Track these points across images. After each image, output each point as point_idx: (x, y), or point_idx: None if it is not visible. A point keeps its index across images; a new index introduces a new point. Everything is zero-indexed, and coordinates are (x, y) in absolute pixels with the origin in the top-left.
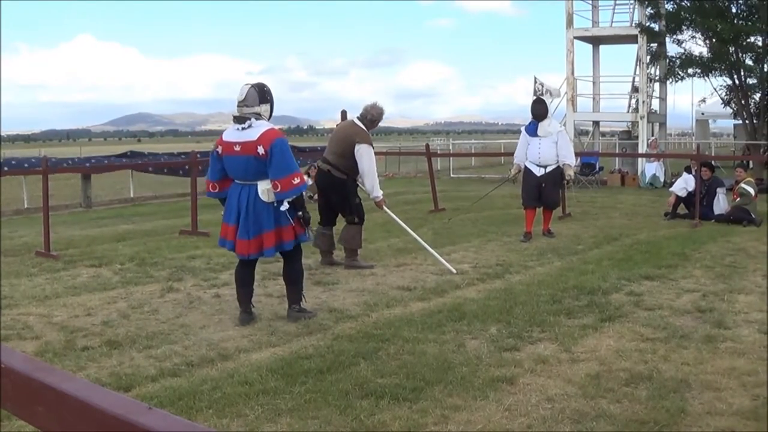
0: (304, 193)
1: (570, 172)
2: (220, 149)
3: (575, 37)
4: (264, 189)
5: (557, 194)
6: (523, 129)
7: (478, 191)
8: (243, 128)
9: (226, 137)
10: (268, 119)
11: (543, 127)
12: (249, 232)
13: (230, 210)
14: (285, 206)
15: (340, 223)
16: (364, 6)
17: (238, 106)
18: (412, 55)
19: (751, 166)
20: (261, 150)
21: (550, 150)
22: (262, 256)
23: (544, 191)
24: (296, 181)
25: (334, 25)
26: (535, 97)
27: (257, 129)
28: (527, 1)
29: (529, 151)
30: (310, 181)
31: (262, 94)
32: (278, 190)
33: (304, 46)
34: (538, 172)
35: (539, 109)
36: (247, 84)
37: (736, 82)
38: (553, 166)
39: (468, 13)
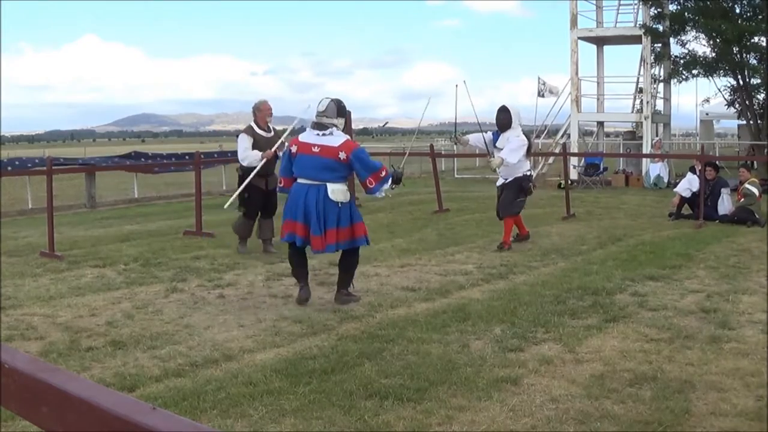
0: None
1: (495, 162)
2: (294, 148)
3: (579, 38)
4: (334, 189)
5: (509, 203)
6: (491, 132)
7: (483, 192)
8: (324, 134)
9: (303, 138)
10: (342, 131)
11: (503, 138)
12: (321, 229)
13: (296, 208)
14: (381, 193)
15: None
16: (373, 6)
17: (317, 115)
18: (418, 55)
19: (755, 166)
20: (342, 155)
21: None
22: (331, 251)
23: (499, 200)
24: (383, 174)
25: (341, 25)
26: (501, 105)
27: (338, 138)
28: (535, 2)
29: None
30: None
31: (340, 108)
32: (372, 185)
33: (310, 46)
34: (498, 182)
35: (501, 118)
36: (327, 98)
37: (740, 82)
38: (511, 179)
39: (476, 14)
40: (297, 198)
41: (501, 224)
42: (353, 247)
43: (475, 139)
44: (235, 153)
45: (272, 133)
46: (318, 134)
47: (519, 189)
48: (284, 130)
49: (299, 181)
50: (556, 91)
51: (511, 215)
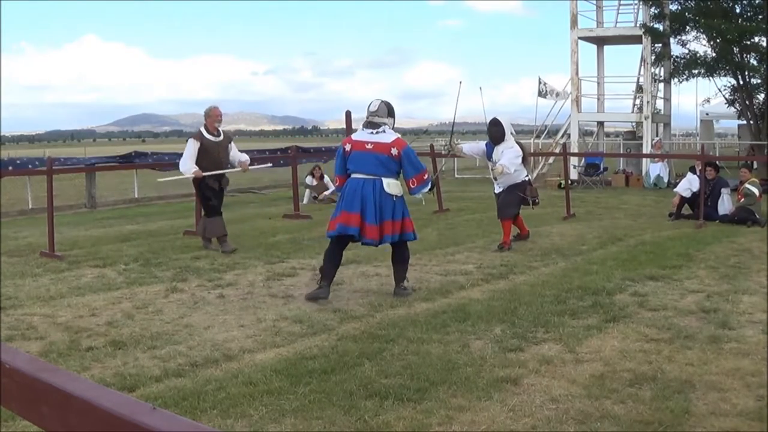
0: (308, 192)
1: (496, 171)
2: (348, 147)
3: (580, 38)
4: (389, 183)
5: (508, 205)
6: (484, 143)
7: (483, 192)
8: (376, 132)
9: (356, 137)
10: (393, 129)
11: (497, 151)
12: (376, 219)
13: (352, 200)
14: (419, 195)
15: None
16: (374, 6)
17: (369, 115)
18: (420, 55)
19: (755, 166)
20: (395, 151)
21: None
22: (382, 242)
23: (499, 202)
24: (426, 177)
25: (343, 25)
26: (492, 118)
27: (390, 135)
28: (538, 2)
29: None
30: (314, 182)
31: (390, 109)
32: (414, 185)
33: (312, 46)
34: (497, 189)
35: (494, 132)
36: (378, 99)
37: (741, 82)
38: (507, 186)
39: (478, 14)
40: (353, 191)
41: (499, 224)
42: (402, 241)
43: (470, 149)
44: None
45: (221, 137)
46: (371, 132)
47: (516, 191)
48: (232, 135)
49: (354, 176)
50: (563, 95)
51: (510, 217)
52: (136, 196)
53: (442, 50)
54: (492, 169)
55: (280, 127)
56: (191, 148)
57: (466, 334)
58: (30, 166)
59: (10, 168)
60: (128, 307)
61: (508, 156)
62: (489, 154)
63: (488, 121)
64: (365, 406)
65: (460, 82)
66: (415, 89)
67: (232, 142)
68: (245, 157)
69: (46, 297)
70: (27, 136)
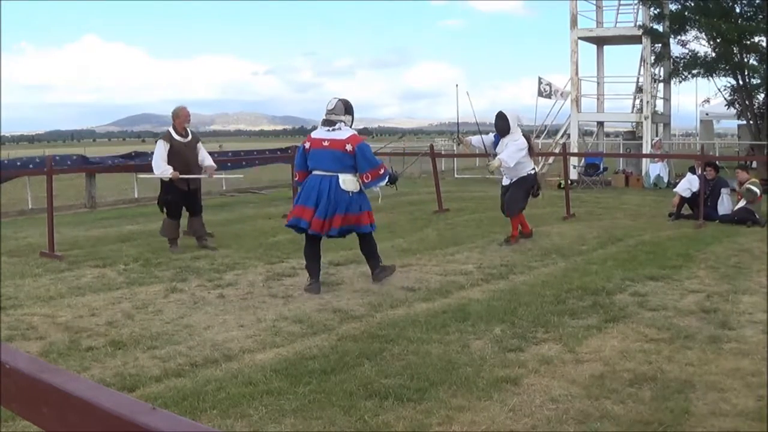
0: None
1: (494, 164)
2: (307, 145)
3: (579, 38)
4: (344, 179)
5: (515, 201)
6: (492, 134)
7: (483, 192)
8: (332, 129)
9: (315, 135)
10: (350, 127)
11: (502, 143)
12: (326, 214)
13: (309, 195)
14: (376, 189)
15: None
16: (375, 6)
17: (327, 113)
18: (420, 55)
19: (754, 166)
20: (349, 147)
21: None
22: (329, 235)
23: (506, 197)
24: (381, 171)
25: (344, 25)
26: (498, 112)
27: (345, 132)
28: (539, 2)
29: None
30: None
31: (348, 107)
32: (369, 180)
33: (312, 46)
34: (505, 182)
35: (500, 125)
36: (335, 97)
37: (740, 82)
38: (515, 179)
39: (479, 14)
40: (311, 187)
41: (501, 224)
42: (364, 235)
43: (477, 141)
44: (235, 153)
45: (189, 137)
46: (328, 130)
47: (524, 187)
48: (197, 139)
49: (314, 173)
50: (565, 94)
51: (517, 212)
52: (136, 196)
53: (442, 50)
54: (488, 163)
55: (280, 127)
56: (161, 149)
57: (466, 334)
58: (31, 166)
59: (10, 169)
60: (128, 307)
61: (510, 149)
62: (496, 144)
63: (495, 115)
64: (365, 406)
65: (457, 85)
66: (415, 89)
67: (200, 143)
68: (211, 164)
69: (46, 297)
70: (27, 136)
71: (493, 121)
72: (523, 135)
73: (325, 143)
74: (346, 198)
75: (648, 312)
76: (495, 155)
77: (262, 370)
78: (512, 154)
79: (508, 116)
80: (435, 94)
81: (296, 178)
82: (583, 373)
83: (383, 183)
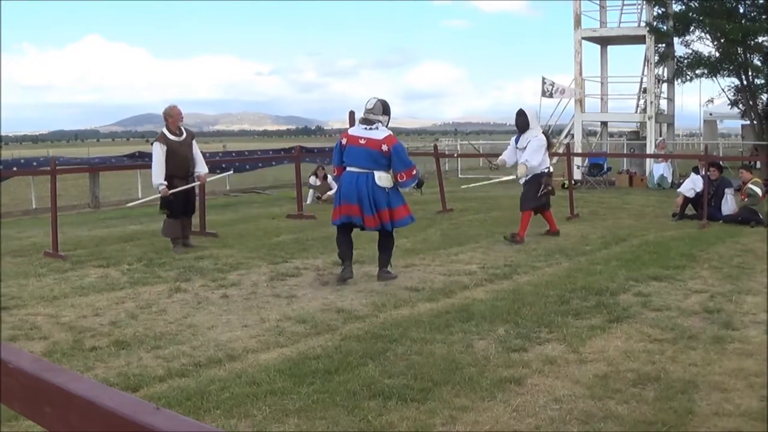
0: (312, 192)
1: (520, 171)
2: (344, 141)
3: (583, 38)
4: (380, 176)
5: (529, 198)
6: (513, 138)
7: (487, 192)
8: (370, 128)
9: (352, 132)
10: (386, 127)
11: (523, 139)
12: (372, 210)
13: (349, 193)
14: (408, 188)
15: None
16: (379, 6)
17: (365, 111)
18: (423, 55)
19: (758, 166)
20: (385, 148)
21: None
22: (388, 228)
23: (522, 194)
24: (414, 172)
25: (348, 25)
26: (518, 109)
27: (382, 132)
28: (543, 2)
29: (518, 158)
30: (318, 182)
31: (385, 107)
32: (403, 179)
33: (316, 46)
34: (521, 180)
35: (519, 122)
36: (375, 97)
37: (744, 82)
38: (530, 176)
39: (483, 14)
40: (349, 184)
41: (505, 224)
42: (393, 229)
43: (508, 157)
44: (236, 153)
45: (184, 135)
46: (365, 128)
47: (539, 184)
48: (192, 135)
49: (349, 169)
50: (570, 93)
51: (528, 209)
52: (140, 196)
53: (446, 50)
54: (516, 175)
55: (284, 127)
56: (159, 153)
57: (469, 335)
58: (35, 164)
59: (15, 168)
60: (132, 307)
61: (531, 148)
62: (517, 142)
63: (515, 112)
64: (368, 407)
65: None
66: (418, 89)
67: (194, 140)
68: (202, 170)
69: (49, 297)
70: (30, 137)
71: (498, 120)
72: (543, 133)
73: (362, 141)
74: (384, 194)
75: (651, 312)
76: (517, 158)
77: (265, 370)
78: (534, 154)
79: (527, 113)
80: (438, 95)
81: (334, 173)
82: (586, 373)
83: (414, 184)
